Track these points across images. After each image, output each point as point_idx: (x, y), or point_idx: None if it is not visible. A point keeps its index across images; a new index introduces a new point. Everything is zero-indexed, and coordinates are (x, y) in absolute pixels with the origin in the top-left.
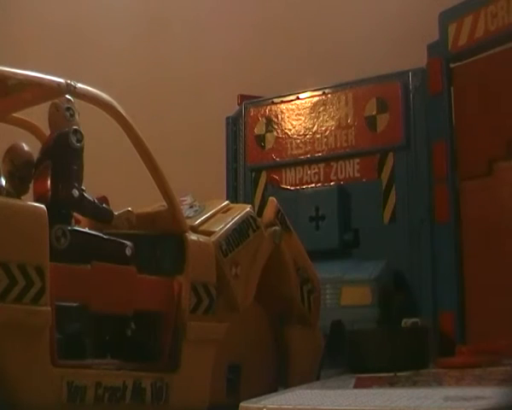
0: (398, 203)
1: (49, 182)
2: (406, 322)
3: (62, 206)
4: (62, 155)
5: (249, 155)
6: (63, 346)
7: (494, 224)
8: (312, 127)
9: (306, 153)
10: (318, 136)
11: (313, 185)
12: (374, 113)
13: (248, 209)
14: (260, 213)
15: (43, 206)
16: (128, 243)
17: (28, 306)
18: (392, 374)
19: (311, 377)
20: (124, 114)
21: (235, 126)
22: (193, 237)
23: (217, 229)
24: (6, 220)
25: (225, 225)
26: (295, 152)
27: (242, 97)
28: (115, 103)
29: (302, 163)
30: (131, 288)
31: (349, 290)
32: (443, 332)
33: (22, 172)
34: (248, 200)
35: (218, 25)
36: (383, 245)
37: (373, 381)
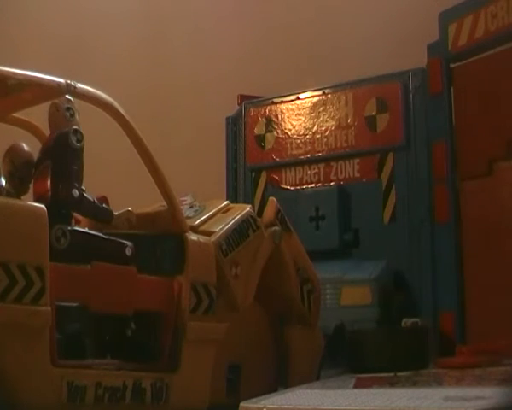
0: (398, 203)
1: (49, 182)
2: (406, 322)
3: (62, 206)
4: (62, 155)
5: (249, 155)
6: (63, 346)
7: (494, 224)
8: (312, 127)
9: (306, 153)
10: (318, 136)
11: (313, 185)
12: (374, 113)
13: (248, 209)
14: (260, 213)
15: (43, 206)
16: (128, 243)
17: (28, 306)
18: (392, 374)
19: (311, 377)
20: (124, 114)
21: (235, 126)
22: (193, 237)
23: (217, 229)
24: (6, 220)
25: (225, 225)
26: (295, 152)
27: (242, 97)
28: (115, 103)
29: (302, 163)
30: (131, 288)
31: (349, 290)
32: (443, 332)
33: (22, 173)
34: (248, 200)
35: (218, 25)
36: (383, 245)
37: (373, 381)
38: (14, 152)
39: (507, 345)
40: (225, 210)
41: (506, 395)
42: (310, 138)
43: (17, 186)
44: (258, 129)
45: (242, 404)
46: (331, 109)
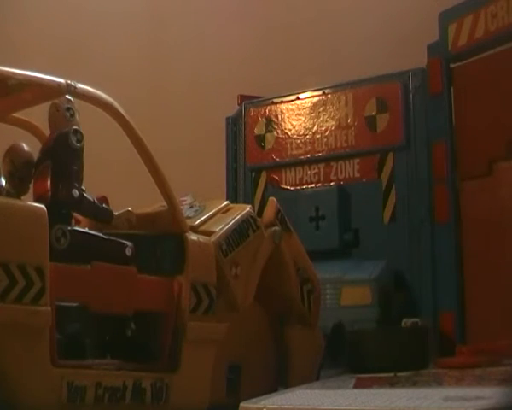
0: (398, 203)
1: (49, 182)
2: (406, 322)
3: (62, 206)
4: (62, 155)
5: (249, 155)
6: (63, 346)
7: (494, 224)
8: (312, 127)
9: (306, 153)
10: (318, 136)
11: (313, 185)
12: (374, 113)
13: (248, 209)
14: (260, 213)
15: (43, 206)
16: (128, 243)
17: (28, 306)
18: (392, 374)
19: (311, 377)
20: (124, 114)
21: (235, 126)
22: (193, 237)
23: (217, 229)
24: (6, 221)
25: (225, 226)
26: (295, 152)
27: (242, 97)
28: (115, 103)
29: (302, 163)
30: (131, 288)
31: (349, 290)
32: (443, 332)
33: (22, 173)
34: (248, 200)
35: (219, 25)
36: (383, 245)
37: (373, 381)
38: (14, 152)
39: (507, 345)
40: (225, 210)
41: (506, 395)
42: (310, 138)
43: (17, 186)
44: (258, 129)
45: (242, 404)
46: (331, 109)
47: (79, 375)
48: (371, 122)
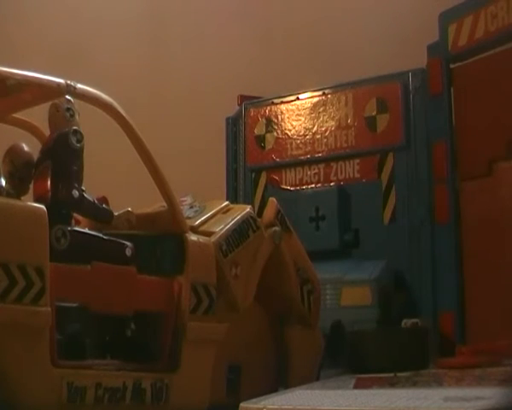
0: (398, 204)
1: (49, 182)
2: (406, 322)
3: (62, 206)
4: (62, 155)
5: (249, 156)
6: (63, 346)
7: (494, 224)
8: (312, 128)
9: (306, 153)
10: (318, 136)
11: (313, 186)
12: (374, 113)
13: (248, 210)
14: (260, 213)
15: (43, 206)
16: (128, 243)
17: (28, 306)
18: (392, 375)
19: (311, 377)
20: (124, 114)
21: (235, 127)
22: (193, 237)
23: (217, 229)
24: (6, 221)
25: (225, 226)
26: (295, 152)
27: (242, 98)
28: (115, 104)
29: (302, 164)
30: (131, 288)
31: (349, 291)
32: (443, 333)
33: (22, 173)
34: (248, 200)
35: (219, 26)
36: (383, 245)
37: (373, 381)
38: (14, 152)
39: (507, 345)
40: (225, 210)
41: (506, 395)
42: (310, 139)
43: (17, 187)
44: (258, 129)
45: (242, 404)
46: (331, 110)
47: (79, 375)
48: (371, 122)
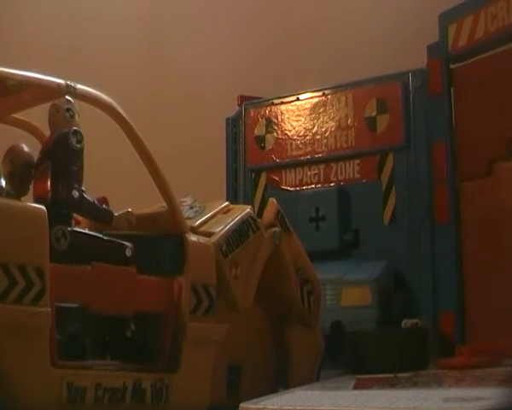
0: (398, 204)
1: (49, 183)
2: (406, 323)
3: (62, 207)
4: (62, 155)
5: (249, 156)
6: (63, 347)
7: (494, 224)
8: (312, 128)
9: (306, 154)
10: (318, 137)
11: (313, 186)
12: (374, 113)
13: (248, 210)
14: (260, 214)
15: (43, 207)
16: (128, 243)
17: (28, 307)
18: (392, 375)
19: (311, 377)
20: (124, 114)
21: (235, 127)
22: (193, 237)
23: (217, 230)
24: (6, 221)
25: (225, 226)
26: (295, 153)
27: (242, 98)
28: (115, 104)
29: (302, 164)
30: (131, 289)
31: (349, 291)
32: (443, 333)
33: (22, 173)
34: (248, 201)
35: (218, 25)
36: (383, 246)
37: (373, 382)
38: (14, 153)
39: (507, 345)
40: (225, 211)
41: (506, 395)
42: (310, 139)
43: (17, 187)
44: (258, 130)
45: (242, 405)
46: (331, 110)
47: (79, 376)
48: (371, 123)
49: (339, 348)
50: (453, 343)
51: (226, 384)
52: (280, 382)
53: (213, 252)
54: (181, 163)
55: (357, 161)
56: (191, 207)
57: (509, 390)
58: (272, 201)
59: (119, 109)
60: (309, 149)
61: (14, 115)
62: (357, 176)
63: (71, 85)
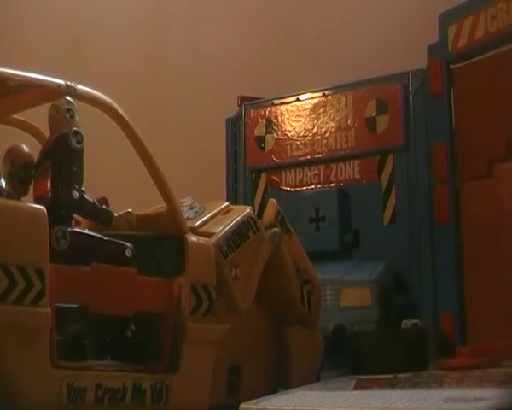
0: (398, 204)
1: (49, 183)
2: (406, 323)
3: (62, 207)
4: (62, 156)
5: (249, 157)
6: (63, 347)
7: (494, 224)
8: (312, 129)
9: (306, 154)
10: (318, 137)
11: (313, 187)
12: (374, 114)
13: (248, 211)
14: (260, 214)
15: (43, 207)
16: (128, 244)
17: (28, 307)
18: (392, 375)
19: (311, 378)
20: (124, 115)
21: (235, 128)
22: (193, 238)
23: (217, 230)
24: (6, 222)
25: (225, 227)
26: (295, 153)
27: (242, 99)
28: (115, 105)
29: (302, 164)
30: (131, 289)
31: (349, 292)
32: (443, 333)
33: (22, 174)
34: (248, 201)
35: (218, 25)
36: (383, 246)
37: (373, 382)
38: (14, 153)
39: (507, 346)
40: (225, 211)
41: (506, 396)
42: (310, 140)
43: (17, 187)
44: (258, 130)
45: (242, 405)
46: (331, 111)
47: (79, 376)
48: (371, 123)
49: (339, 348)
50: (453, 344)
51: (226, 385)
52: (280, 382)
53: (213, 252)
54: (181, 163)
55: (358, 162)
56: (191, 208)
57: (509, 391)
58: (272, 201)
59: (119, 110)
60: (309, 149)
61: (14, 116)
62: (357, 176)
63: (71, 86)
